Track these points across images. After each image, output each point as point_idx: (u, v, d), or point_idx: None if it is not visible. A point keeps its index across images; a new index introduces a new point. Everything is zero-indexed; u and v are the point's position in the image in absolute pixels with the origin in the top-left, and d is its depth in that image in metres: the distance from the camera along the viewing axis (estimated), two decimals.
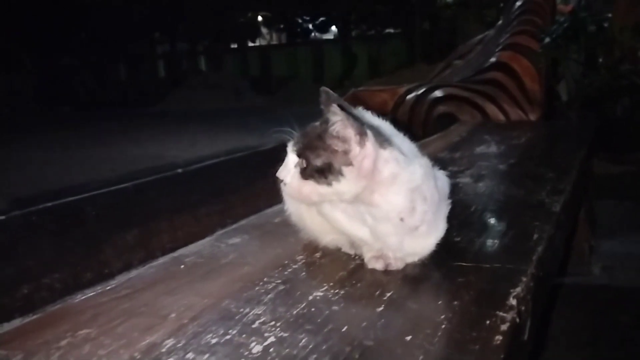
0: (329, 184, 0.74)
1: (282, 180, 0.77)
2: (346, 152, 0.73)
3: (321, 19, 15.11)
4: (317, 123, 0.77)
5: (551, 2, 3.64)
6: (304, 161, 0.74)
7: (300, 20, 15.39)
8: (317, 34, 15.57)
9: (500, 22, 3.82)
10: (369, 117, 0.85)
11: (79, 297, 0.82)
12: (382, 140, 0.76)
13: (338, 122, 0.72)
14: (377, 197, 0.75)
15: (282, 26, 15.89)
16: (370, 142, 0.73)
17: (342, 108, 0.72)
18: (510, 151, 1.81)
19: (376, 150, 0.74)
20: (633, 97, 3.04)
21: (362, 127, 0.73)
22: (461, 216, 1.06)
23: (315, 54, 14.78)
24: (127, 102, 12.95)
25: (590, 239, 2.15)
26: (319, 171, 0.74)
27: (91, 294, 0.83)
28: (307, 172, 0.74)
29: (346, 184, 0.73)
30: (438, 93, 3.13)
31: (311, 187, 0.75)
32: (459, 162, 1.62)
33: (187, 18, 14.15)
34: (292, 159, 0.76)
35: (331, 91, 0.80)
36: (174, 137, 7.53)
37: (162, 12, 13.20)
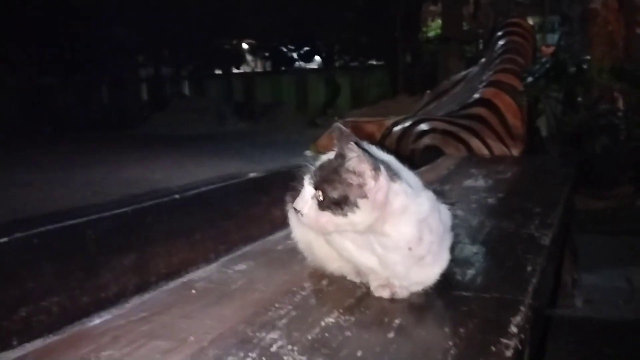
0: (345, 215, 0.78)
1: (299, 211, 0.81)
2: (361, 186, 0.78)
3: (305, 48, 15.36)
4: (333, 157, 0.82)
5: (532, 42, 3.82)
6: (321, 193, 0.79)
7: (284, 49, 15.61)
8: (301, 62, 15.80)
9: (483, 59, 3.98)
10: (378, 152, 0.90)
11: (96, 321, 0.84)
12: (392, 174, 0.82)
13: (354, 158, 0.77)
14: (388, 227, 0.80)
15: (266, 54, 16.09)
16: (383, 177, 0.78)
17: (358, 145, 0.77)
18: (497, 185, 1.88)
19: (388, 184, 0.79)
20: (610, 135, 3.19)
21: (376, 163, 0.78)
22: (457, 248, 1.11)
23: (299, 82, 15.00)
24: (110, 124, 12.89)
25: (573, 272, 2.22)
26: (336, 203, 0.78)
27: (108, 317, 0.85)
28: (325, 204, 0.79)
29: (361, 215, 0.78)
30: (424, 126, 3.24)
31: (327, 218, 0.79)
32: (450, 195, 1.68)
33: (172, 42, 14.24)
34: (309, 190, 0.81)
35: (343, 127, 0.86)
36: (157, 161, 7.52)
37: (147, 35, 13.26)
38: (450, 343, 0.72)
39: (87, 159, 7.94)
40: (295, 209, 0.82)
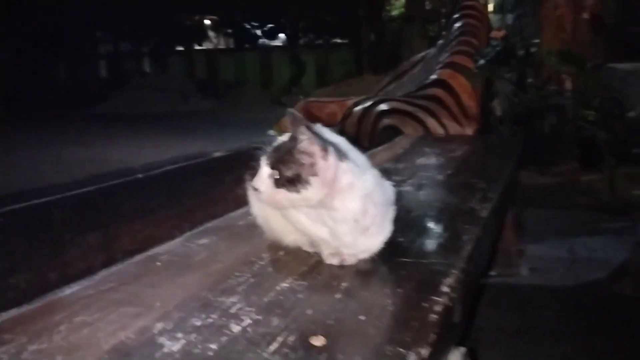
0: (298, 192, 0.87)
1: (257, 189, 0.89)
2: (312, 165, 0.86)
3: (270, 25, 15.19)
4: (287, 140, 0.90)
5: (487, 25, 3.95)
6: (276, 172, 0.87)
7: (248, 26, 15.40)
8: (265, 40, 15.63)
9: (440, 41, 4.09)
10: (328, 134, 0.99)
11: (67, 291, 0.91)
12: (341, 154, 0.91)
13: (305, 140, 0.85)
14: (337, 202, 0.90)
15: (230, 31, 15.85)
16: (332, 156, 0.87)
17: (309, 129, 0.85)
18: (448, 163, 2.00)
19: (336, 163, 0.88)
20: (558, 115, 3.37)
21: (325, 144, 0.87)
22: (404, 220, 1.21)
23: (263, 60, 14.87)
24: (67, 102, 12.52)
25: (518, 243, 2.38)
26: (290, 181, 0.87)
27: (77, 288, 0.92)
28: (280, 182, 0.87)
29: (312, 191, 0.87)
30: (383, 106, 3.34)
31: (283, 195, 0.88)
32: (402, 173, 1.79)
33: (132, 17, 13.84)
34: (265, 170, 0.89)
35: (296, 112, 0.94)
36: (117, 140, 7.41)
37: (107, 9, 12.85)
38: (389, 301, 0.82)
39: (44, 138, 7.74)
40: (253, 187, 0.90)
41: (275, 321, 0.76)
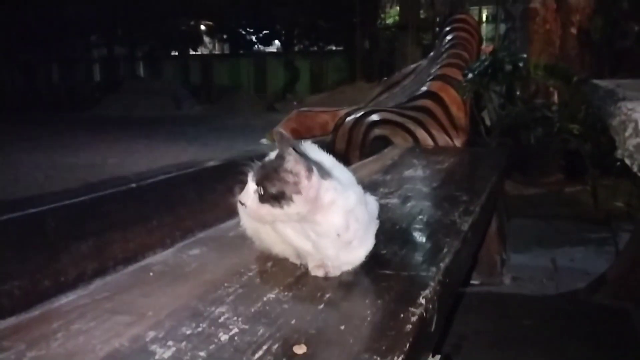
0: (281, 207, 0.92)
1: (243, 204, 0.94)
2: (296, 184, 0.92)
3: (265, 31, 15.26)
4: (274, 158, 0.95)
5: (477, 38, 4.03)
6: (261, 189, 0.93)
7: (243, 32, 15.46)
8: (260, 46, 15.70)
9: (432, 53, 4.17)
10: (314, 151, 1.04)
11: (63, 300, 0.95)
12: (324, 172, 0.96)
13: (291, 160, 0.91)
14: (320, 217, 0.95)
15: (225, 36, 15.90)
16: (315, 176, 0.93)
17: (295, 149, 0.91)
18: (434, 175, 2.06)
19: (319, 182, 0.93)
20: (544, 127, 3.45)
21: (309, 165, 0.92)
22: (388, 232, 1.27)
23: (258, 66, 14.93)
24: (60, 106, 12.51)
25: (502, 253, 2.45)
26: (274, 197, 0.92)
27: (73, 297, 0.96)
28: (264, 198, 0.93)
29: (295, 208, 0.92)
30: (374, 117, 3.41)
31: (267, 210, 0.93)
32: (389, 184, 1.84)
33: (126, 21, 13.87)
34: (251, 186, 0.94)
35: (284, 132, 0.99)
36: (110, 144, 7.42)
37: (101, 12, 12.86)
38: (369, 312, 0.88)
39: (37, 142, 7.74)
40: (240, 202, 0.95)
41: (261, 330, 0.81)
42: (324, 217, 0.95)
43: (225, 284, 0.99)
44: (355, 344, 0.78)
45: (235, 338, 0.79)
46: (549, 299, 2.32)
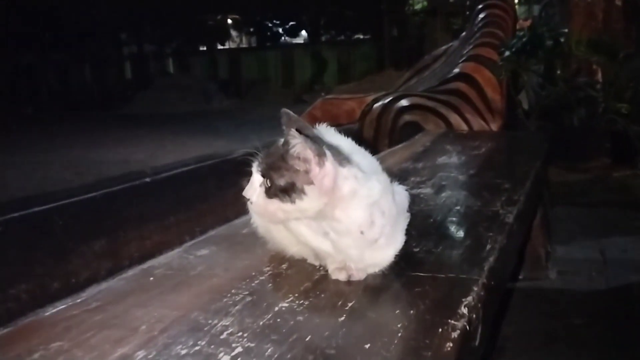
0: (293, 202, 0.78)
1: (248, 199, 0.81)
2: (307, 172, 0.77)
3: (291, 23, 15.16)
4: (280, 144, 0.81)
5: (513, 15, 3.79)
6: (268, 181, 0.79)
7: (270, 24, 15.40)
8: (287, 38, 15.61)
9: (464, 33, 3.95)
10: (330, 135, 0.90)
11: (50, 311, 0.84)
12: (341, 158, 0.81)
13: (298, 144, 0.76)
14: (339, 212, 0.80)
15: (251, 29, 15.87)
16: (329, 162, 0.78)
17: (299, 131, 0.76)
18: (470, 161, 1.88)
19: (335, 169, 0.78)
20: (588, 108, 3.20)
21: (320, 149, 0.77)
22: (421, 227, 1.11)
23: (285, 58, 14.83)
24: (93, 104, 12.70)
25: (546, 245, 2.25)
26: (283, 190, 0.78)
27: (62, 307, 0.85)
28: (272, 191, 0.78)
29: (308, 202, 0.78)
30: (404, 102, 3.23)
31: (276, 206, 0.79)
32: (421, 173, 1.68)
33: (155, 18, 13.97)
34: (257, 178, 0.80)
35: (291, 112, 0.85)
36: (141, 141, 7.44)
37: (131, 11, 12.98)
38: (399, 325, 0.73)
39: (69, 139, 7.84)
40: (244, 197, 0.81)
41: (269, 350, 0.68)
42: (344, 211, 0.80)
43: (233, 291, 0.86)
44: None
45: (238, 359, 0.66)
46: (599, 294, 2.12)
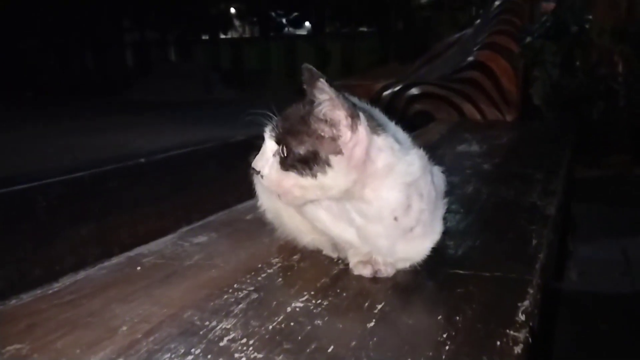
0: (314, 176, 0.62)
1: (258, 172, 0.65)
2: (334, 139, 0.62)
3: (295, 14, 14.98)
4: (300, 104, 0.65)
5: (530, 3, 3.62)
6: (284, 149, 0.63)
7: (273, 14, 15.21)
8: (290, 28, 15.42)
9: (478, 20, 3.79)
10: (358, 102, 0.74)
11: (13, 303, 0.69)
12: (375, 125, 0.66)
13: (326, 101, 0.61)
14: (369, 192, 0.65)
15: (255, 19, 15.68)
16: (363, 127, 0.62)
17: (330, 85, 0.61)
18: (493, 150, 1.74)
19: (369, 137, 0.63)
20: (609, 101, 3.04)
21: (354, 109, 0.62)
22: (452, 217, 0.97)
23: (288, 49, 14.63)
24: (93, 89, 12.53)
25: (569, 244, 2.11)
26: (303, 161, 0.62)
27: (28, 299, 0.70)
28: (288, 162, 0.63)
29: (334, 176, 0.63)
30: (415, 90, 3.07)
31: (293, 180, 0.63)
32: (442, 160, 1.53)
33: (158, 5, 13.78)
34: (270, 146, 0.65)
35: (314, 69, 0.69)
36: (140, 127, 7.29)
37: None
38: (445, 335, 0.58)
39: (68, 124, 7.68)
40: (253, 170, 0.66)
41: None
42: (376, 191, 0.64)
43: (235, 286, 0.72)
44: None
45: None
46: (625, 297, 1.97)
